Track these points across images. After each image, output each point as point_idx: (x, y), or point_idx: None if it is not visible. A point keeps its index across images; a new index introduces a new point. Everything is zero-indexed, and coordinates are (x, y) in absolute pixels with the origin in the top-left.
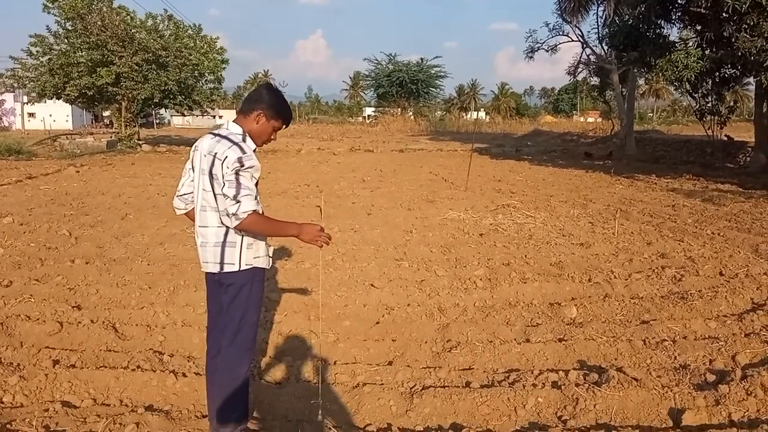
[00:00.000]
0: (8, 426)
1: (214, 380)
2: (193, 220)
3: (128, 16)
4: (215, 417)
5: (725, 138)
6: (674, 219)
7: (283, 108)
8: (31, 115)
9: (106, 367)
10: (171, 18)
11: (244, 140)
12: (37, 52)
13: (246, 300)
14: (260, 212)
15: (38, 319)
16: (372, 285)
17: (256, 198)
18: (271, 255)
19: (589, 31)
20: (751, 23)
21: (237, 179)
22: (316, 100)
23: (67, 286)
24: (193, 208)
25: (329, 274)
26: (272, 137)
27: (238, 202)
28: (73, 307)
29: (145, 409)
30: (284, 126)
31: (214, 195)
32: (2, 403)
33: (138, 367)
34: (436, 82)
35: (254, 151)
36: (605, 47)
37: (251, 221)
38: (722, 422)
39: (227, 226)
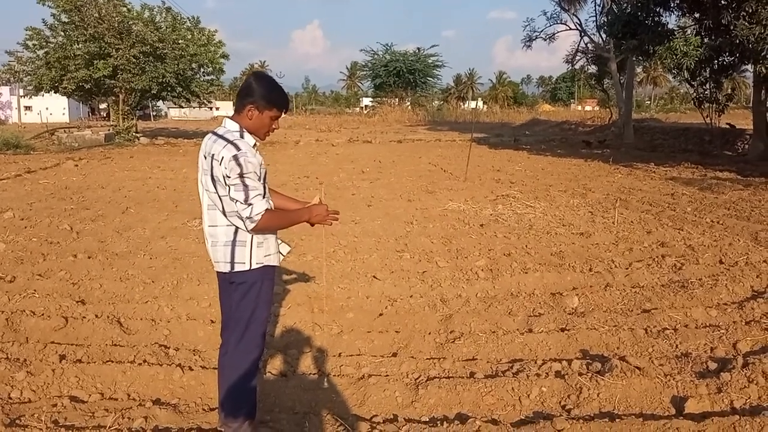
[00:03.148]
0: (17, 421)
1: (224, 375)
2: None
3: (125, 8)
4: (225, 411)
5: (727, 126)
6: (673, 207)
7: (275, 95)
8: (28, 108)
9: (112, 361)
10: (169, 10)
11: (241, 137)
12: (34, 45)
13: (255, 298)
14: (271, 208)
15: (43, 315)
16: (374, 277)
17: (265, 196)
18: (282, 252)
19: (587, 20)
20: (750, 11)
21: (243, 182)
22: (314, 90)
23: (71, 281)
24: None
25: (331, 267)
26: (273, 126)
27: (250, 204)
28: (77, 301)
29: (152, 402)
30: (282, 113)
31: (219, 196)
32: (10, 398)
33: (144, 361)
34: (434, 71)
35: (254, 146)
36: (603, 35)
37: (265, 220)
38: (724, 410)
39: (236, 226)
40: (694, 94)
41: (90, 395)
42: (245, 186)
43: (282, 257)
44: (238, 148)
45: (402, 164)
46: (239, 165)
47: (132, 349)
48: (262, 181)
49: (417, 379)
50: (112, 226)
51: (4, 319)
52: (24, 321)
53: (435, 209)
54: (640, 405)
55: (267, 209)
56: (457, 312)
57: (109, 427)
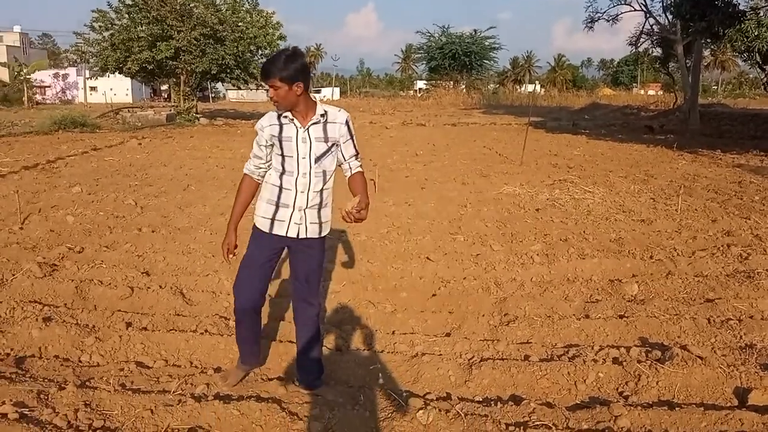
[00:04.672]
0: (87, 383)
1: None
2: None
3: None
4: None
5: None
6: (740, 196)
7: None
8: (93, 89)
9: (175, 330)
10: None
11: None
12: (100, 27)
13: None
14: (251, 173)
15: (110, 284)
16: (428, 258)
17: (259, 161)
18: (281, 219)
19: (653, 0)
20: None
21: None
22: (368, 73)
23: (136, 254)
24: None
25: (384, 247)
26: (271, 98)
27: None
28: (142, 273)
29: (214, 370)
30: (264, 82)
31: None
32: (80, 362)
33: (206, 331)
34: (490, 54)
35: (278, 116)
36: (670, 17)
37: (241, 181)
38: None
39: None
40: (765, 79)
41: (155, 361)
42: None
43: (276, 225)
44: (258, 120)
45: (456, 147)
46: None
47: (194, 319)
48: (266, 149)
49: (470, 359)
50: (174, 202)
51: (73, 287)
52: (92, 290)
53: (489, 193)
54: (701, 395)
55: (245, 173)
56: (512, 295)
57: (174, 392)
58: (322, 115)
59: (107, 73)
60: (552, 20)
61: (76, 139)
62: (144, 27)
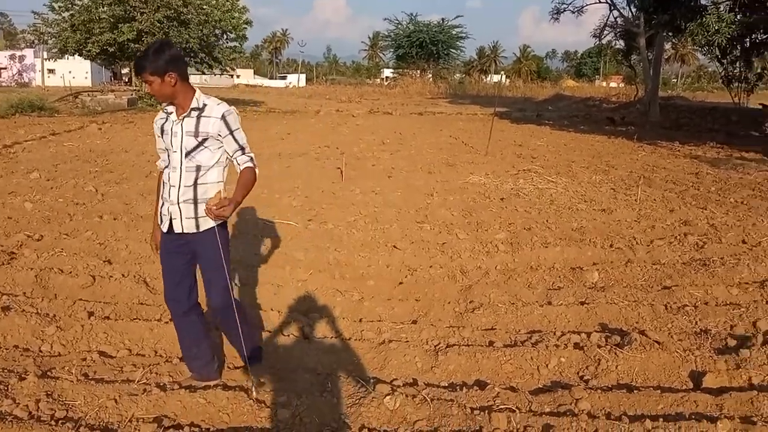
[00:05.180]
0: (49, 373)
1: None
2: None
3: None
4: None
5: (760, 106)
6: (697, 186)
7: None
8: (51, 71)
9: (139, 319)
10: None
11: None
12: (59, 7)
13: None
14: (162, 171)
15: (71, 273)
16: (394, 246)
17: (160, 154)
18: (164, 213)
19: None
20: None
21: None
22: (335, 60)
23: (97, 241)
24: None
25: (351, 235)
26: (147, 90)
27: None
28: (104, 261)
29: (179, 359)
30: (138, 76)
31: None
32: (41, 351)
33: (171, 319)
34: (457, 43)
35: (168, 110)
36: (633, 9)
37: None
38: (742, 385)
39: None
40: (724, 72)
41: (118, 351)
42: None
43: (166, 222)
44: None
45: (423, 137)
46: None
47: (158, 308)
48: (162, 141)
49: (437, 345)
50: (136, 189)
51: (33, 276)
52: (53, 278)
53: (455, 182)
54: (659, 378)
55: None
56: (477, 283)
57: (138, 381)
58: (195, 109)
59: (66, 56)
60: (519, 10)
61: (34, 123)
62: (106, 8)
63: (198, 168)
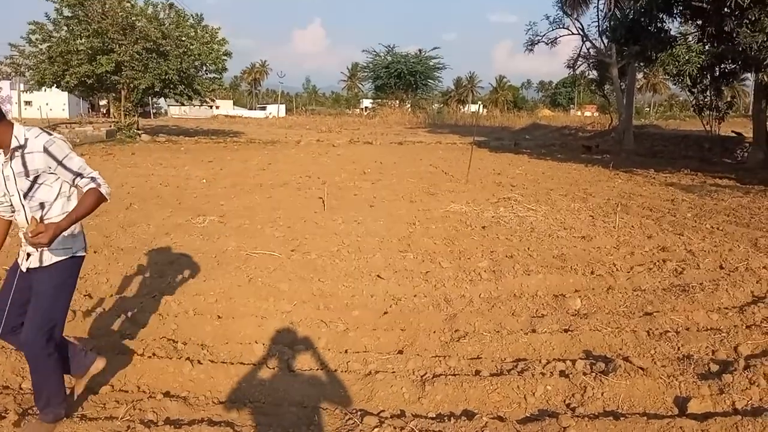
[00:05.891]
0: (29, 411)
1: None
2: None
3: (128, 3)
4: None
5: (733, 134)
6: (674, 213)
7: None
8: (28, 103)
9: (122, 354)
10: (172, 6)
11: None
12: (36, 39)
13: None
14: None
15: None
16: (378, 276)
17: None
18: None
19: (589, 25)
20: (753, 18)
21: None
22: (314, 91)
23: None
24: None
25: (335, 265)
26: None
27: None
28: (84, 295)
29: (163, 395)
30: None
31: None
32: (21, 389)
33: (153, 354)
34: (435, 73)
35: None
36: (605, 41)
37: None
38: (726, 410)
39: None
40: (695, 101)
41: (101, 386)
42: None
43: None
44: None
45: (403, 166)
46: None
47: (141, 342)
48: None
49: (423, 376)
50: (116, 222)
51: None
52: None
53: (437, 211)
54: (644, 405)
55: None
56: (461, 312)
57: (121, 418)
58: (17, 148)
59: (44, 87)
60: (494, 42)
61: None
62: (84, 40)
63: (42, 205)
